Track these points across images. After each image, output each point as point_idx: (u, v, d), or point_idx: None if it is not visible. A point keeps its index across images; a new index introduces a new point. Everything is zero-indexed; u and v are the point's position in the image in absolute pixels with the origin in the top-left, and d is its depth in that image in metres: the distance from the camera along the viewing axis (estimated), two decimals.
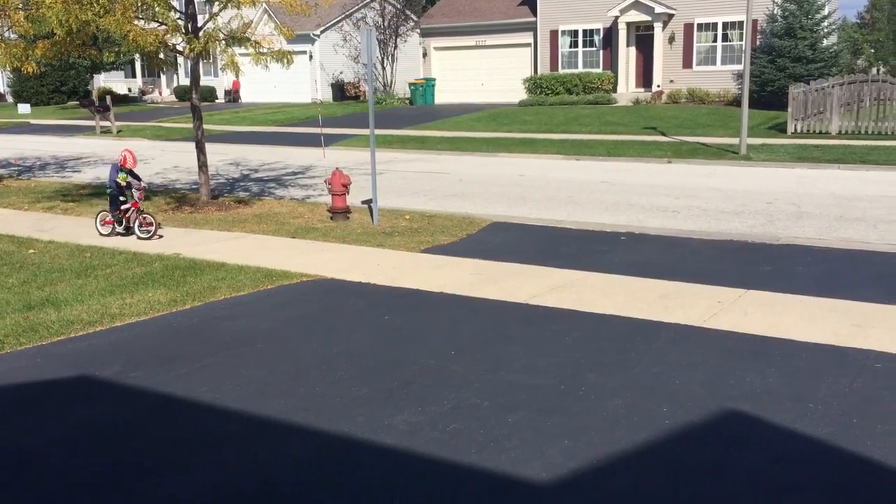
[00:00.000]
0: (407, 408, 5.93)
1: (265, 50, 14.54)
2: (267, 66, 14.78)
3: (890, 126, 23.31)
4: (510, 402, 6.00)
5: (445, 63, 40.95)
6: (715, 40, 33.62)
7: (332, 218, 13.68)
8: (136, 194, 12.46)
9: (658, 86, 34.26)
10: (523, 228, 12.90)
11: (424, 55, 41.19)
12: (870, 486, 4.76)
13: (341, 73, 43.43)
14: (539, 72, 37.15)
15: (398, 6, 41.25)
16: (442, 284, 9.43)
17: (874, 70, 40.45)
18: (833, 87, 24.18)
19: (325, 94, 43.34)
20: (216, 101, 47.33)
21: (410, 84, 39.87)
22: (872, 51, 45.41)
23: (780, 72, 29.61)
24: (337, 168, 14.13)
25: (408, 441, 5.40)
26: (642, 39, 35.17)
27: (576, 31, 36.47)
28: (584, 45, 36.50)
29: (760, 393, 6.10)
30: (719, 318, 7.98)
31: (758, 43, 31.28)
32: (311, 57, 43.42)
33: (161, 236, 12.30)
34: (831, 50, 31.13)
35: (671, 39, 34.20)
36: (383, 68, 40.73)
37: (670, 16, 33.83)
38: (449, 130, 28.95)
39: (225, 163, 22.55)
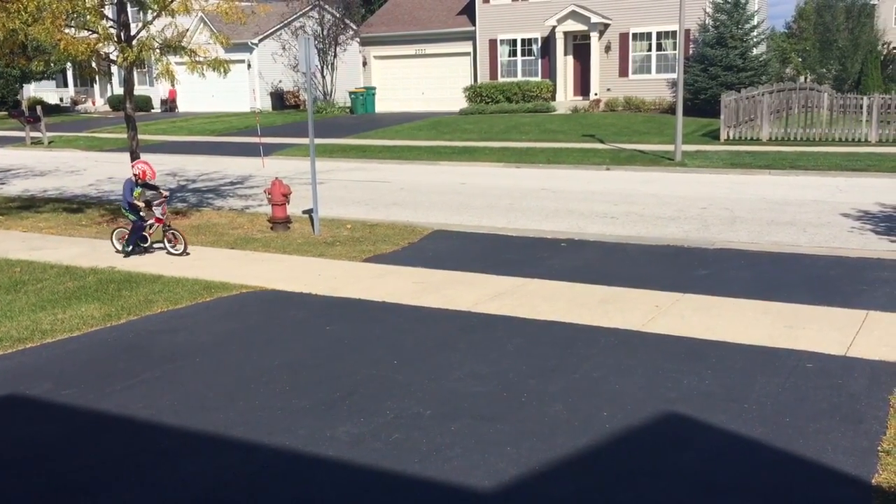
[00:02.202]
0: (349, 419, 5.89)
1: (201, 59, 14.32)
2: (203, 75, 14.56)
3: (817, 132, 24.08)
4: (453, 411, 6.00)
5: (386, 72, 40.92)
6: (650, 49, 34.32)
7: (272, 228, 13.52)
8: (157, 210, 11.46)
9: (595, 94, 34.79)
10: (465, 236, 12.95)
11: (364, 64, 41.10)
12: (803, 484, 4.89)
13: (280, 81, 43.04)
14: (479, 80, 37.39)
15: (337, 15, 41.08)
16: (384, 294, 9.40)
17: (802, 78, 41.78)
18: (763, 95, 24.89)
19: (265, 103, 42.89)
20: (152, 110, 46.41)
21: (351, 93, 39.73)
22: (800, 60, 46.91)
23: (713, 80, 30.36)
24: (277, 178, 13.98)
25: (350, 452, 5.36)
26: (580, 48, 35.69)
27: (514, 41, 36.83)
28: (523, 54, 36.87)
29: (697, 395, 6.22)
30: (657, 321, 8.12)
31: (691, 52, 32.03)
32: (249, 66, 42.94)
33: (188, 253, 11.46)
34: (761, 59, 32.07)
35: (607, 48, 34.79)
36: (323, 77, 40.50)
37: (606, 25, 34.42)
38: (390, 139, 28.92)
39: (162, 173, 22.07)
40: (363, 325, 8.27)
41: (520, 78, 36.62)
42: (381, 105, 39.94)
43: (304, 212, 14.62)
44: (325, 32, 40.26)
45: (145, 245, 11.60)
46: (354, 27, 41.41)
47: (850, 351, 7.07)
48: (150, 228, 11.55)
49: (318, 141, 26.61)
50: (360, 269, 10.87)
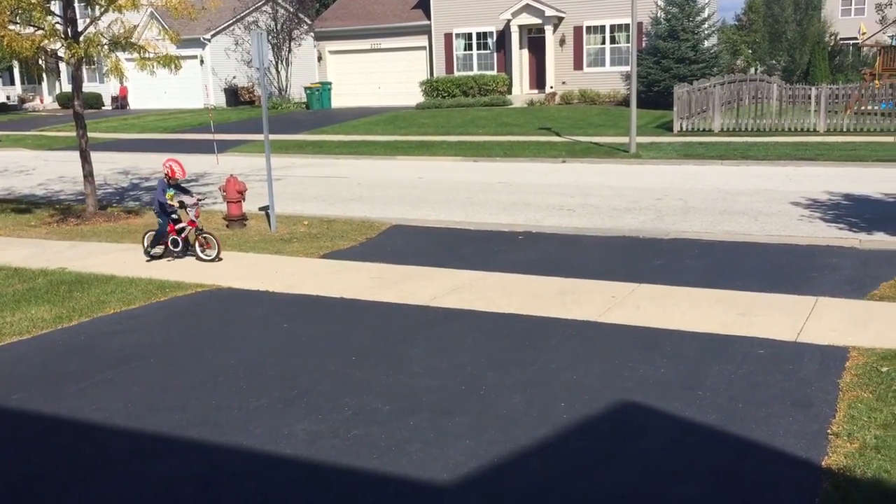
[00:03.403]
0: (307, 416, 5.85)
1: (151, 55, 14.08)
2: (153, 72, 14.31)
3: (768, 123, 24.51)
4: (411, 405, 6.00)
5: (341, 67, 40.67)
6: (603, 42, 34.61)
7: (227, 226, 13.37)
8: (191, 212, 10.85)
9: (551, 87, 34.99)
10: (423, 231, 12.94)
11: (319, 59, 40.80)
12: (754, 468, 4.98)
13: (234, 77, 42.51)
14: (435, 74, 37.36)
15: (291, 10, 40.68)
16: (342, 290, 9.36)
17: (752, 70, 42.46)
18: (715, 86, 25.25)
19: (219, 100, 42.35)
20: (103, 108, 45.55)
21: (306, 88, 39.42)
22: (750, 51, 47.68)
23: (666, 72, 30.72)
24: (232, 175, 13.82)
25: (308, 450, 5.33)
26: (534, 42, 35.85)
27: (470, 34, 36.86)
28: (479, 48, 36.93)
29: (653, 383, 6.30)
30: (614, 312, 8.20)
31: (644, 45, 32.36)
32: (202, 62, 42.34)
33: (221, 259, 10.84)
34: (712, 51, 32.55)
35: (562, 42, 35.00)
36: (278, 72, 40.11)
37: (560, 19, 34.61)
38: (347, 134, 28.76)
39: (114, 172, 21.72)
40: (321, 321, 8.23)
41: (476, 72, 36.66)
42: (338, 100, 39.70)
43: (261, 209, 14.48)
44: (278, 27, 39.87)
45: (177, 249, 10.97)
46: (308, 22, 41.08)
47: (801, 336, 7.22)
48: (184, 232, 10.95)
49: (273, 137, 26.38)
50: (318, 265, 10.80)
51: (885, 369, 6.26)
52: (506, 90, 35.45)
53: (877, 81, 27.03)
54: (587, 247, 11.46)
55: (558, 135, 25.62)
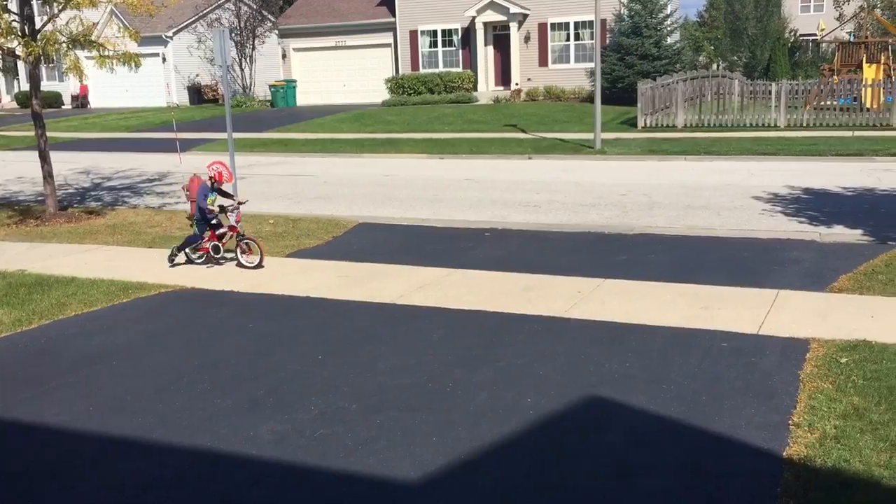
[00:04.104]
0: (273, 416, 5.81)
1: (110, 53, 13.86)
2: (113, 70, 14.11)
3: (730, 119, 24.83)
4: (378, 404, 5.99)
5: (306, 64, 40.41)
6: (568, 39, 34.78)
7: (191, 226, 13.19)
8: (232, 217, 10.34)
9: (516, 84, 35.09)
10: (389, 228, 12.92)
11: (284, 56, 40.49)
12: (718, 459, 5.05)
13: (197, 75, 42.04)
14: (401, 72, 37.28)
15: (254, 7, 40.32)
16: (308, 288, 9.31)
17: (714, 66, 42.99)
18: (678, 82, 25.51)
19: (182, 98, 41.86)
20: (63, 106, 44.78)
21: (271, 86, 39.12)
22: (712, 48, 48.24)
23: (629, 69, 30.97)
24: (195, 174, 13.64)
25: (273, 450, 5.29)
26: (499, 39, 35.92)
27: (435, 31, 36.83)
28: (444, 45, 36.92)
29: (618, 377, 6.35)
30: (579, 307, 8.25)
31: (607, 42, 32.59)
32: (164, 59, 41.81)
33: (263, 266, 10.22)
34: (675, 47, 32.87)
35: (527, 39, 35.11)
36: (241, 70, 39.75)
37: (525, 16, 34.72)
38: (312, 132, 28.60)
39: (75, 172, 21.37)
40: (287, 320, 8.17)
41: (441, 69, 36.65)
42: (303, 98, 39.45)
43: None
44: (242, 24, 39.51)
45: (218, 256, 10.45)
46: (272, 19, 40.76)
47: (763, 329, 7.32)
48: (224, 238, 10.42)
49: (238, 135, 26.12)
50: (284, 264, 10.72)
51: (844, 360, 6.37)
52: (471, 87, 35.48)
53: (835, 77, 27.49)
54: (553, 243, 11.52)
55: (524, 131, 25.71)
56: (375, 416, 5.76)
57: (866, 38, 30.93)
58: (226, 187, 10.45)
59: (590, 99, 28.71)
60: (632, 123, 25.82)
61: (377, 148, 23.99)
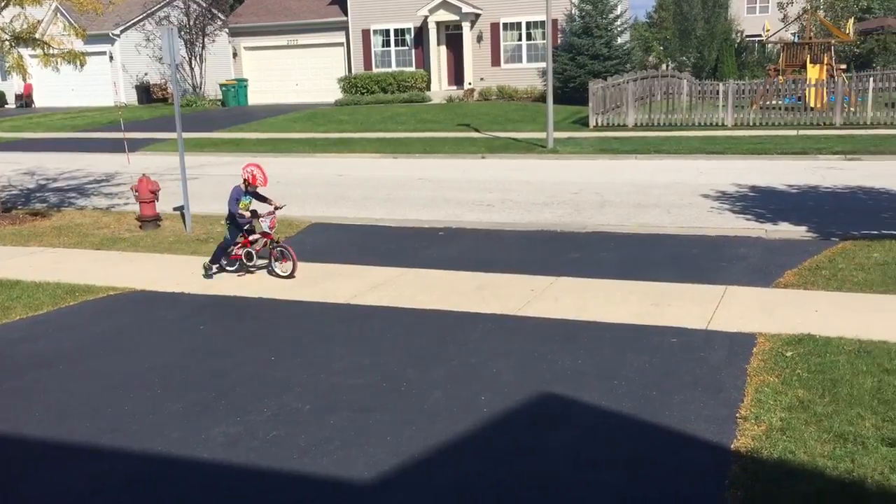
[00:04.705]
0: (225, 419, 5.75)
1: (55, 51, 13.56)
2: (57, 69, 13.81)
3: (679, 118, 25.21)
4: (332, 404, 5.96)
5: (258, 63, 39.98)
6: (520, 39, 34.98)
7: (141, 227, 13.00)
8: (265, 223, 9.77)
9: (469, 83, 35.19)
10: (342, 228, 12.85)
11: (235, 55, 40.01)
12: (668, 453, 5.13)
13: (146, 74, 41.31)
14: (353, 71, 37.11)
15: (204, 5, 39.76)
16: (260, 289, 9.22)
17: (664, 66, 43.67)
18: (628, 82, 25.83)
19: (130, 97, 41.07)
20: (7, 106, 43.67)
21: (222, 85, 38.63)
22: (661, 48, 49.01)
23: (581, 69, 31.27)
24: (144, 174, 13.45)
25: (226, 453, 5.23)
26: (452, 38, 35.98)
27: (388, 31, 36.74)
28: (397, 45, 36.85)
29: (571, 374, 6.42)
30: (533, 305, 8.31)
31: (559, 41, 32.86)
32: (111, 58, 41.01)
33: (294, 276, 9.65)
34: (625, 47, 33.29)
35: (479, 38, 35.23)
36: (192, 69, 39.17)
37: (477, 15, 34.83)
38: (264, 132, 28.32)
39: (18, 172, 20.85)
40: (239, 322, 8.09)
41: (394, 68, 36.58)
42: (254, 97, 39.05)
43: (176, 209, 14.13)
44: (191, 23, 38.93)
45: (251, 263, 9.94)
46: (223, 17, 40.24)
47: (711, 325, 7.46)
48: (257, 244, 9.91)
49: (189, 135, 25.74)
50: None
51: (789, 354, 6.52)
52: (425, 87, 35.48)
53: (781, 77, 28.10)
54: (507, 241, 11.58)
55: (477, 131, 25.79)
56: (329, 417, 5.73)
57: (810, 39, 31.66)
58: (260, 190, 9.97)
59: (542, 98, 28.91)
60: (584, 123, 26.07)
61: (330, 147, 23.86)
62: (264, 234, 9.87)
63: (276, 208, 9.90)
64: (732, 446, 5.07)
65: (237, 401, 6.07)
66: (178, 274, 10.04)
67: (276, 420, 5.71)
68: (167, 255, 11.17)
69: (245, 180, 9.77)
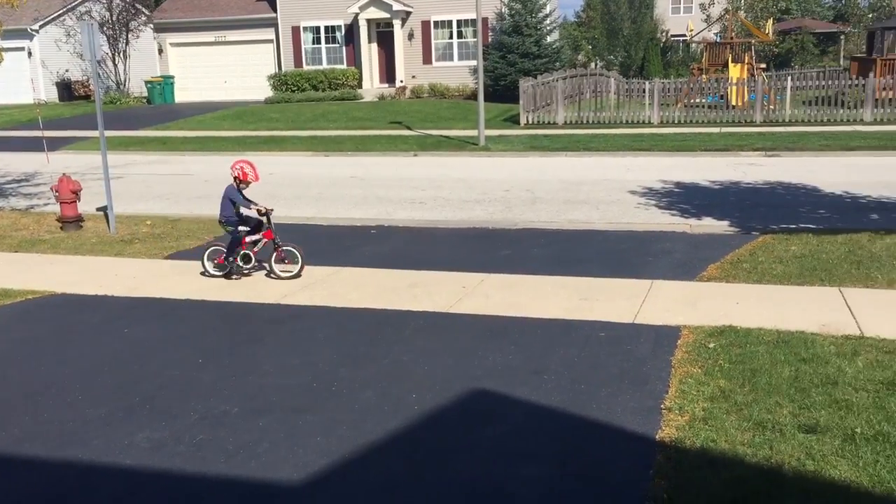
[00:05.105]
0: (149, 424, 5.61)
1: None
2: None
3: (607, 116, 25.66)
4: (261, 406, 5.88)
5: (184, 60, 39.18)
6: (451, 37, 35.09)
7: (62, 228, 12.60)
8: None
9: (401, 81, 35.14)
10: (274, 227, 12.66)
11: (160, 52, 39.11)
12: (596, 445, 5.21)
13: (67, 71, 39.98)
14: (284, 68, 36.68)
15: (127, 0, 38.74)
16: (188, 291, 9.04)
17: (592, 65, 44.35)
18: (557, 80, 26.17)
19: (51, 94, 39.71)
20: None
21: (147, 82, 37.70)
22: (590, 47, 49.77)
23: (511, 67, 31.55)
24: (64, 174, 13.04)
25: (150, 459, 5.11)
26: (383, 36, 35.87)
27: (318, 28, 36.42)
28: (328, 42, 36.56)
29: (501, 370, 6.47)
30: (464, 302, 8.35)
31: (490, 40, 33.07)
32: (30, 54, 39.58)
33: (300, 275, 9.34)
34: (554, 46, 33.72)
35: (410, 36, 35.22)
36: (115, 65, 38.09)
37: (408, 13, 34.80)
38: (192, 130, 27.77)
39: None
40: (165, 325, 7.91)
41: (325, 66, 36.30)
42: (182, 95, 38.25)
43: (99, 209, 13.74)
44: (114, 18, 37.85)
45: (249, 266, 9.49)
46: (147, 13, 39.25)
47: (638, 318, 7.62)
48: (257, 245, 9.46)
49: (113, 133, 25.06)
50: (162, 266, 10.38)
51: (711, 345, 6.70)
52: (356, 84, 35.30)
53: (704, 76, 28.86)
54: (439, 239, 11.60)
55: (409, 128, 25.78)
56: (258, 419, 5.65)
57: (731, 38, 32.59)
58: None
59: (474, 96, 29.07)
60: (515, 120, 26.30)
61: (260, 146, 23.53)
62: (266, 235, 9.41)
63: (261, 214, 9.31)
64: (657, 437, 5.19)
65: (162, 405, 5.94)
66: (102, 276, 9.76)
67: (202, 423, 5.61)
68: (90, 257, 10.86)
69: (236, 178, 9.30)
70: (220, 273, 9.53)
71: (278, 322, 7.89)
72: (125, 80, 38.49)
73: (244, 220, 9.46)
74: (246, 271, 9.52)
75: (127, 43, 38.24)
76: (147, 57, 39.37)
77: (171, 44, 39.01)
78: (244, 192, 9.39)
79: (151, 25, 38.83)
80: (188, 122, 29.48)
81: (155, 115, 31.98)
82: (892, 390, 5.64)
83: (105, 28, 36.47)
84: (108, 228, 12.45)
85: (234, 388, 6.24)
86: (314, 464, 5.01)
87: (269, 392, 6.14)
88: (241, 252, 9.42)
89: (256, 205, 9.36)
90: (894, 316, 7.32)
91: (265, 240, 9.44)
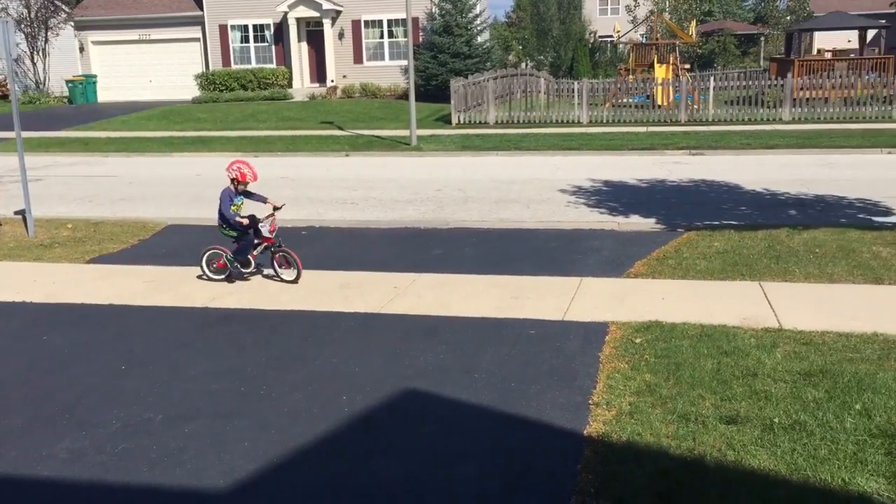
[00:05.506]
0: (69, 434, 5.44)
1: None
2: None
3: (537, 115, 25.95)
4: (187, 412, 5.75)
5: (107, 58, 38.13)
6: (382, 37, 35.00)
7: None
8: (265, 227, 8.92)
9: (332, 81, 34.89)
10: (201, 230, 12.39)
11: (82, 50, 37.98)
12: (526, 442, 5.26)
13: None
14: (211, 67, 36.04)
15: None
16: (111, 296, 8.79)
17: (523, 65, 44.79)
18: (488, 80, 26.35)
19: None
20: None
21: (68, 81, 36.56)
22: (521, 47, 50.28)
23: (443, 67, 31.64)
24: None
25: (70, 470, 4.95)
26: (313, 35, 35.56)
27: (246, 26, 35.89)
28: (256, 41, 36.05)
29: (433, 370, 6.47)
30: (395, 302, 8.33)
31: (421, 40, 33.11)
32: None
33: (297, 281, 9.02)
34: (485, 46, 33.96)
35: (341, 35, 34.99)
36: (34, 64, 36.84)
37: (338, 12, 34.57)
38: (116, 130, 27.05)
39: None
40: (87, 331, 7.68)
41: (254, 65, 35.82)
42: (105, 94, 37.23)
43: (17, 212, 13.25)
44: (32, 15, 36.59)
45: (247, 271, 9.17)
46: (67, 10, 38.05)
47: (567, 315, 7.71)
48: (256, 248, 9.07)
49: (32, 134, 24.26)
50: (84, 271, 10.08)
51: (638, 341, 6.83)
52: (286, 84, 34.91)
53: (631, 76, 29.42)
54: (370, 239, 11.55)
55: (341, 128, 25.61)
56: (184, 426, 5.53)
57: (657, 40, 33.33)
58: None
59: (405, 96, 29.06)
60: (446, 120, 26.37)
61: (188, 146, 23.05)
62: (266, 239, 9.03)
63: (276, 208, 9.06)
64: (585, 432, 5.26)
65: (83, 414, 5.76)
66: (20, 282, 9.42)
67: (125, 432, 5.46)
68: (6, 262, 10.47)
69: (233, 180, 8.95)
70: (220, 277, 9.21)
71: (206, 326, 7.73)
72: (45, 80, 37.26)
73: (236, 226, 8.97)
74: (245, 275, 9.24)
75: (46, 41, 37.02)
76: (68, 55, 38.18)
77: (93, 42, 37.93)
78: (248, 190, 9.07)
79: (72, 23, 37.68)
80: (111, 123, 28.72)
81: (76, 116, 31.05)
82: (809, 380, 5.84)
83: (23, 25, 35.25)
84: (27, 232, 12.03)
85: (159, 394, 6.09)
86: (241, 469, 4.92)
87: (196, 398, 6.02)
88: (243, 258, 9.08)
89: (268, 201, 9.12)
90: (811, 308, 7.59)
91: (264, 243, 9.13)
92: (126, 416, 5.71)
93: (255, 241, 9.07)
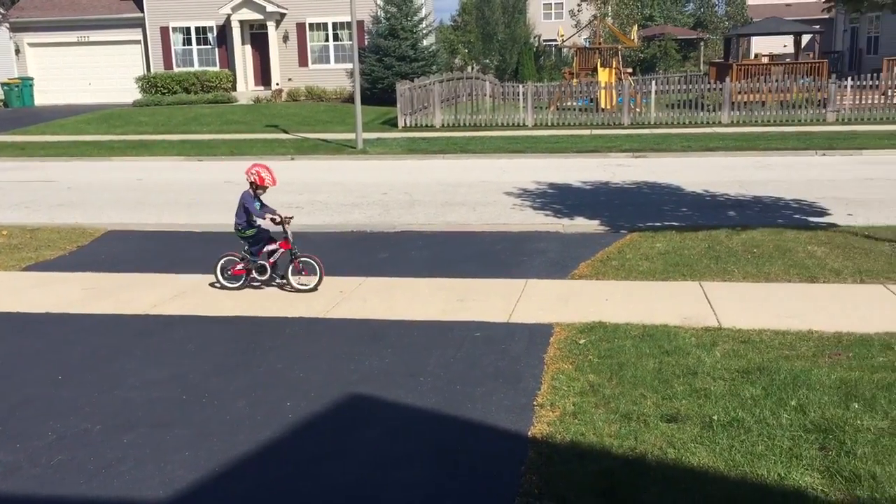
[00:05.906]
0: (2, 447, 5.27)
1: None
2: None
3: (483, 118, 26.09)
4: (126, 422, 5.63)
5: (45, 61, 37.17)
6: (327, 40, 34.79)
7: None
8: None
9: (277, 84, 34.56)
10: (143, 235, 12.21)
11: (18, 52, 36.96)
12: (470, 444, 5.27)
13: None
14: (153, 70, 35.38)
15: None
16: (47, 304, 8.56)
17: (469, 68, 44.97)
18: (434, 84, 26.39)
19: None
20: None
21: (3, 84, 35.54)
22: (466, 51, 50.49)
23: (388, 70, 31.58)
24: None
25: (2, 484, 4.79)
26: (258, 38, 35.18)
27: (188, 29, 35.33)
28: (199, 43, 35.52)
29: (378, 374, 6.45)
30: (341, 307, 8.28)
31: (366, 43, 32.99)
32: None
33: (317, 289, 8.72)
34: (430, 49, 33.98)
35: (285, 38, 34.68)
36: None
37: (283, 15, 34.27)
38: (54, 134, 26.39)
39: None
40: (22, 341, 7.46)
41: (197, 68, 35.27)
42: (42, 97, 36.28)
43: None
44: None
45: (263, 278, 8.90)
46: (2, 11, 36.98)
47: (512, 317, 7.76)
48: (273, 255, 8.88)
49: None
50: (19, 279, 9.80)
51: (582, 342, 6.90)
52: (230, 87, 34.47)
53: (575, 80, 29.77)
54: (316, 243, 11.41)
55: (286, 132, 25.39)
56: (122, 436, 5.41)
57: (599, 44, 33.78)
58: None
59: (351, 99, 28.89)
60: (393, 123, 26.34)
61: (128, 151, 22.61)
62: (283, 245, 8.85)
63: (284, 220, 8.75)
64: (530, 433, 5.29)
65: (16, 426, 5.59)
66: None
67: (61, 443, 5.32)
68: None
69: (252, 183, 8.72)
70: (234, 285, 8.95)
71: (146, 334, 7.58)
72: None
73: (259, 228, 8.87)
74: (258, 283, 8.98)
75: None
76: (3, 57, 37.11)
77: (29, 44, 36.95)
78: (262, 196, 8.85)
79: (7, 24, 36.62)
80: (49, 126, 28.01)
81: (12, 119, 30.22)
82: (746, 378, 5.97)
83: None
84: None
85: (97, 404, 5.95)
86: (182, 479, 4.83)
87: (135, 407, 5.89)
88: (258, 263, 8.87)
89: (274, 213, 8.81)
90: (749, 307, 7.77)
91: (282, 250, 8.90)
92: (62, 427, 5.57)
93: (272, 248, 8.91)
